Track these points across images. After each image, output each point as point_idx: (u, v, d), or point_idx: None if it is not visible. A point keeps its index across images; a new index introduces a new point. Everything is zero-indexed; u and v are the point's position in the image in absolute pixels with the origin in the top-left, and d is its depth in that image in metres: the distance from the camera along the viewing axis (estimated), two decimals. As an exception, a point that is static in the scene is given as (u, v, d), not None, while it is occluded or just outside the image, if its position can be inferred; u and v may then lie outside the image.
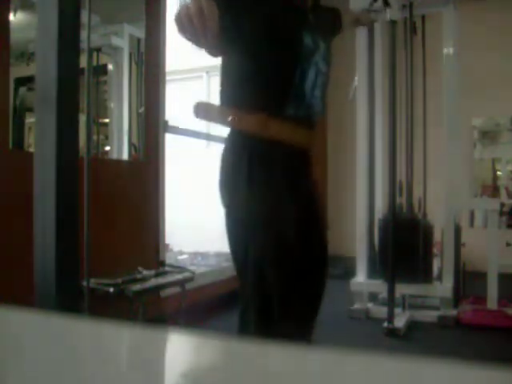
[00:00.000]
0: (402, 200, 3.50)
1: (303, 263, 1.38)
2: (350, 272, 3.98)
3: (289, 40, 1.41)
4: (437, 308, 3.39)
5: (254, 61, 1.38)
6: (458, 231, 3.44)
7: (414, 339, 3.04)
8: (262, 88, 1.39)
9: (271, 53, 1.38)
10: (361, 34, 3.62)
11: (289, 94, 1.39)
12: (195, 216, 4.21)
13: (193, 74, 5.39)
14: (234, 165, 1.39)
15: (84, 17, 1.32)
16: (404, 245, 3.26)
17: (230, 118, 1.40)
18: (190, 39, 1.13)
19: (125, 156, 3.14)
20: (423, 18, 3.71)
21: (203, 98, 5.02)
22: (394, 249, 3.11)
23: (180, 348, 0.48)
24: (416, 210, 3.55)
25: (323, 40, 1.48)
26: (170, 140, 3.36)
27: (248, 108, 1.39)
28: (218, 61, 1.54)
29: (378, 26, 3.66)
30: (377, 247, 3.57)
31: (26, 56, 2.33)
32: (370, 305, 3.58)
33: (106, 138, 3.13)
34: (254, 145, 1.37)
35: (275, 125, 1.37)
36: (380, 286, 3.37)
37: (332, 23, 1.71)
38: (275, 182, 1.37)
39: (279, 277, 1.34)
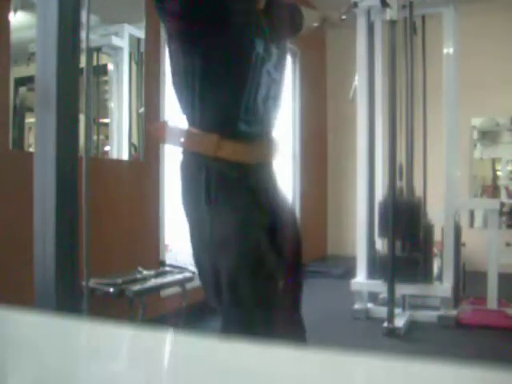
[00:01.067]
0: (401, 194, 3.50)
1: (272, 282, 1.31)
2: (350, 272, 3.98)
3: (239, 51, 1.33)
4: (437, 308, 3.39)
5: (205, 75, 1.31)
6: (458, 231, 3.44)
7: (413, 339, 3.04)
8: (213, 107, 1.34)
9: (221, 63, 1.32)
10: (361, 33, 3.62)
11: (240, 110, 1.33)
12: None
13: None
14: (191, 183, 1.36)
15: (83, 17, 1.32)
16: (404, 236, 3.25)
17: (181, 140, 1.37)
18: None
19: (125, 156, 3.13)
20: (423, 18, 3.71)
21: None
22: (393, 247, 3.11)
23: (180, 348, 0.48)
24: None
25: (277, 45, 1.40)
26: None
27: (200, 128, 1.35)
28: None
29: (377, 26, 3.66)
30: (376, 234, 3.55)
31: (26, 56, 2.33)
32: (370, 305, 3.58)
33: (106, 137, 3.12)
34: (209, 163, 1.33)
35: (228, 145, 1.33)
36: (380, 286, 3.37)
37: (290, 21, 1.63)
38: (232, 201, 1.32)
39: (243, 299, 1.28)
